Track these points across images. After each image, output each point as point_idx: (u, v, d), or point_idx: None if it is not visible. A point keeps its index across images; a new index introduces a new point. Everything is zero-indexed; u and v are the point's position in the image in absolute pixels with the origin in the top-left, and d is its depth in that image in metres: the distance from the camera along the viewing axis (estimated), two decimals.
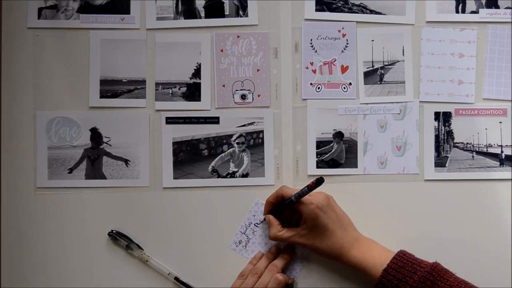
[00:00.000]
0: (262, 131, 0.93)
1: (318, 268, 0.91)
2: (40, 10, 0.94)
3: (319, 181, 0.81)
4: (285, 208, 0.87)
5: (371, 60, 0.93)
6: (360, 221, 0.88)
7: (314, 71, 0.94)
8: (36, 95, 0.93)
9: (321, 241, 0.84)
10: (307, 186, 0.82)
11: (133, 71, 0.94)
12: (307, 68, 0.94)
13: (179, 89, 0.94)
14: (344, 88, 0.93)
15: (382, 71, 0.93)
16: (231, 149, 0.94)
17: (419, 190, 0.92)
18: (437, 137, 0.93)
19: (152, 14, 0.94)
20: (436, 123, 0.93)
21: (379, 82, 0.93)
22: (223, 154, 0.94)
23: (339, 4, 0.93)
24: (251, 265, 0.89)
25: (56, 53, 0.93)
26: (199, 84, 0.94)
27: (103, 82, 0.94)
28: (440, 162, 0.92)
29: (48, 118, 0.93)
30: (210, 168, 0.94)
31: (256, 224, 0.92)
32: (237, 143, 0.94)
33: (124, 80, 0.94)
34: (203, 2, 0.94)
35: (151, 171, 0.93)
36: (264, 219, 0.90)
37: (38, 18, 0.94)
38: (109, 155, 0.93)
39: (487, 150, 0.92)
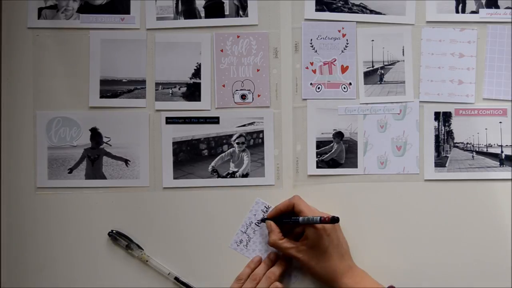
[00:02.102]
0: (262, 131, 0.93)
1: None
2: (40, 10, 0.94)
3: (334, 220, 0.80)
4: (288, 223, 0.87)
5: (371, 60, 0.93)
6: (360, 221, 0.88)
7: (314, 71, 0.94)
8: (36, 95, 0.93)
9: (317, 262, 0.84)
10: (320, 218, 0.82)
11: (133, 71, 0.94)
12: (307, 68, 0.94)
13: (179, 89, 0.94)
14: (344, 88, 0.93)
15: (382, 71, 0.93)
16: (231, 149, 0.94)
17: (419, 190, 0.92)
18: (437, 137, 0.93)
19: (152, 14, 0.93)
20: (436, 123, 0.93)
21: (379, 82, 0.93)
22: (223, 154, 0.94)
23: (339, 4, 0.93)
24: (248, 268, 0.89)
25: (56, 53, 0.93)
26: (199, 84, 0.94)
27: (103, 82, 0.94)
28: (440, 162, 0.92)
29: (48, 118, 0.93)
30: (210, 168, 0.94)
31: (257, 223, 0.92)
32: (237, 143, 0.94)
33: (124, 80, 0.94)
34: (203, 2, 0.94)
35: (151, 171, 0.93)
36: (263, 220, 0.90)
37: (38, 18, 0.94)
38: (109, 155, 0.93)
39: (487, 150, 0.92)
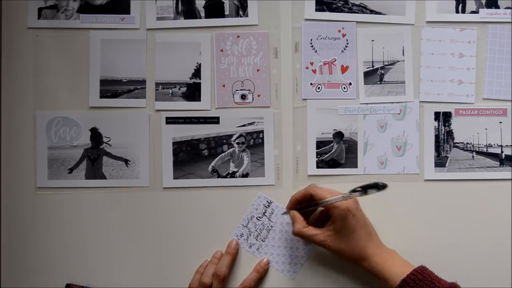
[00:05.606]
0: (262, 131, 0.93)
1: (319, 265, 0.91)
2: (40, 10, 0.94)
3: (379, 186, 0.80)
4: (310, 208, 0.86)
5: (371, 60, 0.93)
6: None
7: (314, 71, 0.94)
8: (36, 95, 0.93)
9: (347, 243, 0.83)
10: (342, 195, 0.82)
11: (133, 71, 0.94)
12: (307, 68, 0.94)
13: (179, 89, 0.94)
14: (344, 88, 0.93)
15: (382, 71, 0.93)
16: (231, 149, 0.94)
17: (419, 190, 0.92)
18: (437, 137, 0.93)
19: (152, 14, 0.94)
20: (436, 123, 0.93)
21: (379, 82, 0.93)
22: (223, 154, 0.94)
23: (339, 4, 0.93)
24: (198, 274, 0.90)
25: (56, 53, 0.93)
26: (199, 84, 0.94)
27: (103, 82, 0.94)
28: (440, 162, 0.92)
29: (48, 118, 0.93)
30: (210, 168, 0.94)
31: (258, 218, 0.92)
32: (237, 143, 0.94)
33: (124, 80, 0.94)
34: (203, 2, 0.94)
35: (151, 171, 0.93)
36: (286, 213, 0.89)
37: (38, 18, 0.94)
38: (109, 155, 0.93)
39: (487, 150, 0.92)
